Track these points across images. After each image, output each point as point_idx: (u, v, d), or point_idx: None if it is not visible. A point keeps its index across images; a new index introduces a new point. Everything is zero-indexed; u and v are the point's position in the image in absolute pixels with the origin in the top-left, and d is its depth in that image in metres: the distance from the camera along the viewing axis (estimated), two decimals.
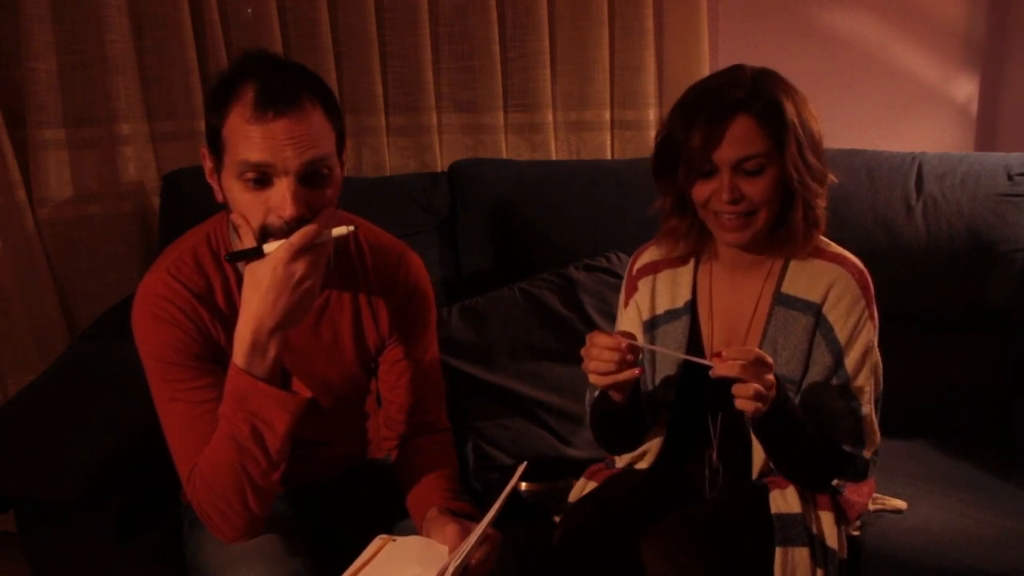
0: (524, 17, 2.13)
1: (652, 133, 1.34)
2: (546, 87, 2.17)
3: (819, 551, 1.28)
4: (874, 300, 1.33)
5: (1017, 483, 1.56)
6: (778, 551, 1.26)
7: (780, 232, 1.32)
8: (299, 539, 1.23)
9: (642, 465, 1.46)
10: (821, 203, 1.31)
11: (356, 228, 1.15)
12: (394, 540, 1.20)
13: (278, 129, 1.07)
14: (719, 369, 1.14)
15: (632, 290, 1.47)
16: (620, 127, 2.23)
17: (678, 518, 1.29)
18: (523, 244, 1.98)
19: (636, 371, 1.19)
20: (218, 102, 1.12)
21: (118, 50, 1.99)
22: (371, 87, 2.13)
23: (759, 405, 1.15)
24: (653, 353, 1.43)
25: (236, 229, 1.14)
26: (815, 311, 1.32)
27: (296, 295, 1.10)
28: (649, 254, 1.47)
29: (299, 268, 1.08)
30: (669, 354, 1.39)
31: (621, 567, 1.27)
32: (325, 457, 1.38)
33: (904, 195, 1.84)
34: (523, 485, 1.61)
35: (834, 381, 1.31)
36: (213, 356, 1.21)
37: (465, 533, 1.14)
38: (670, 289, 1.43)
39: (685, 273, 1.43)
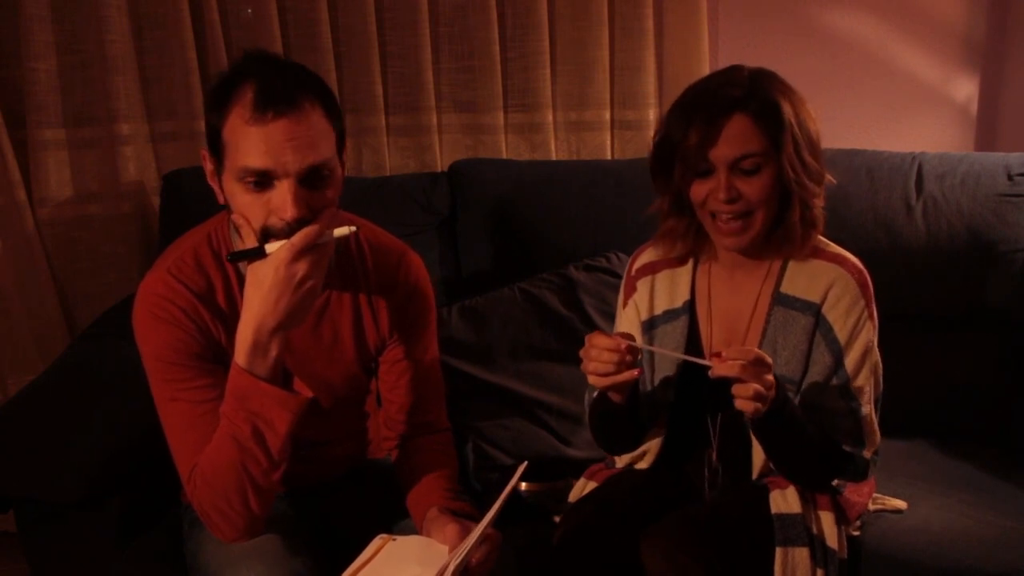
0: (524, 17, 2.13)
1: (652, 133, 1.34)
2: (546, 87, 2.17)
3: (819, 551, 1.28)
4: (873, 300, 1.33)
5: (1017, 483, 1.56)
6: (778, 551, 1.26)
7: (778, 233, 1.32)
8: (299, 539, 1.23)
9: (642, 465, 1.46)
10: (819, 203, 1.31)
11: (358, 228, 1.15)
12: (394, 540, 1.20)
13: (277, 131, 1.07)
14: (718, 369, 1.14)
15: (631, 290, 1.47)
16: (620, 127, 2.23)
17: (678, 518, 1.29)
18: (523, 244, 1.98)
19: (635, 372, 1.19)
20: (217, 103, 1.12)
21: (118, 50, 1.99)
22: (371, 87, 2.13)
23: (758, 405, 1.15)
24: (652, 354, 1.43)
25: (237, 229, 1.14)
26: (815, 311, 1.32)
27: (298, 295, 1.10)
28: (648, 254, 1.47)
29: (301, 268, 1.09)
30: (668, 354, 1.39)
31: (621, 567, 1.27)
32: (326, 457, 1.38)
33: (904, 195, 1.84)
34: (523, 485, 1.61)
35: (834, 381, 1.31)
36: (214, 356, 1.21)
37: (465, 533, 1.14)
38: (669, 289, 1.43)
39: (684, 273, 1.43)
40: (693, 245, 1.40)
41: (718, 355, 1.15)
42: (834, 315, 1.31)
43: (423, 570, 1.11)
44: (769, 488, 1.34)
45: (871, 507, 1.45)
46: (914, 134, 2.24)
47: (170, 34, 2.03)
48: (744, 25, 2.21)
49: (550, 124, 2.21)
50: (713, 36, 2.19)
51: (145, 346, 1.20)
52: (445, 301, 1.87)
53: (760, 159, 1.25)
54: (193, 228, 1.29)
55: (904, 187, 1.84)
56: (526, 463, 1.17)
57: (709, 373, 1.15)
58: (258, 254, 1.10)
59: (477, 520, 1.16)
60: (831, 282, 1.32)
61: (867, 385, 1.32)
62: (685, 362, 1.38)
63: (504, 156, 2.21)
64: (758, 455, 1.36)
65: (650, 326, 1.44)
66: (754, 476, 1.37)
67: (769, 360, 1.16)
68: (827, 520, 1.31)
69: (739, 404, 1.15)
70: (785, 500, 1.31)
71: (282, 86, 1.09)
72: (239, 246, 1.18)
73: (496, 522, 1.11)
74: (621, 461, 1.50)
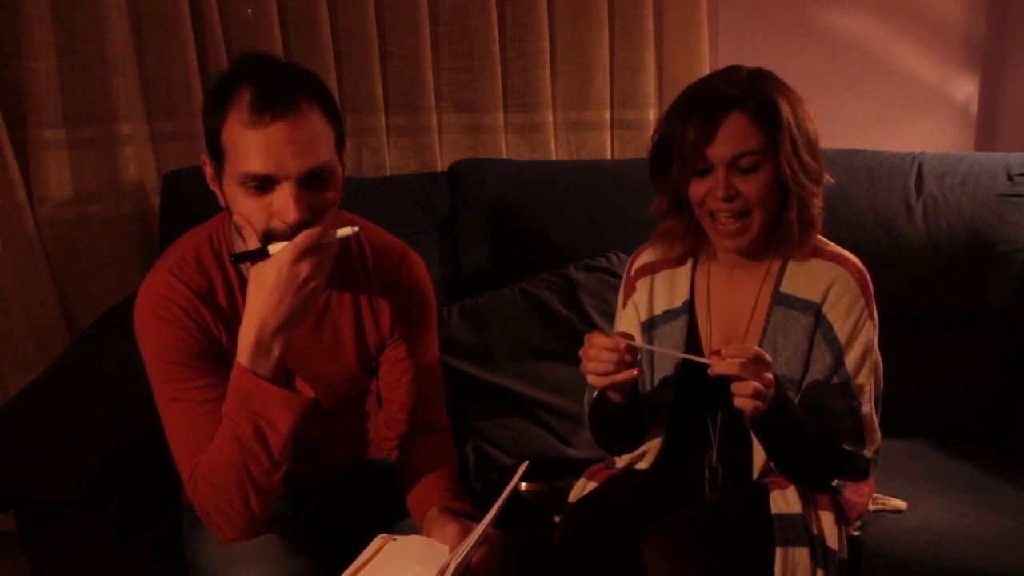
0: (524, 17, 2.13)
1: (652, 133, 1.35)
2: (546, 87, 2.17)
3: (819, 551, 1.28)
4: (874, 299, 1.33)
5: (1017, 483, 1.56)
6: (778, 551, 1.26)
7: (776, 233, 1.32)
8: (299, 539, 1.23)
9: (642, 465, 1.46)
10: (817, 202, 1.31)
11: (360, 228, 1.15)
12: (394, 539, 1.20)
13: (277, 134, 1.07)
14: (718, 367, 1.14)
15: (630, 291, 1.47)
16: (620, 127, 2.23)
17: (678, 518, 1.29)
18: (523, 244, 1.98)
19: (634, 372, 1.19)
20: (215, 106, 1.11)
21: (118, 50, 1.99)
22: (371, 87, 2.13)
23: (758, 403, 1.15)
24: (652, 353, 1.43)
25: (239, 230, 1.14)
26: (815, 310, 1.32)
27: (301, 296, 1.10)
28: (647, 255, 1.47)
29: (304, 269, 1.09)
30: (668, 353, 1.39)
31: (621, 567, 1.27)
32: (326, 457, 1.38)
33: (904, 195, 1.84)
34: (523, 485, 1.61)
35: (834, 380, 1.31)
36: (215, 356, 1.21)
37: (465, 533, 1.14)
38: (668, 289, 1.43)
39: (683, 273, 1.43)
40: (692, 245, 1.40)
41: (717, 353, 1.15)
42: (834, 314, 1.31)
43: (423, 570, 1.11)
44: (769, 488, 1.34)
45: (871, 507, 1.45)
46: (914, 134, 2.24)
47: (170, 34, 2.03)
48: (744, 25, 2.21)
49: (550, 124, 2.21)
50: (713, 36, 2.19)
51: (146, 346, 1.20)
52: (445, 301, 1.87)
53: (758, 157, 1.25)
54: (194, 228, 1.29)
55: (904, 187, 1.84)
56: (526, 463, 1.17)
57: (708, 371, 1.15)
58: (261, 255, 1.10)
59: (477, 520, 1.16)
60: (831, 281, 1.32)
61: (867, 384, 1.32)
62: (685, 362, 1.38)
63: (504, 156, 2.21)
64: (758, 455, 1.36)
65: (649, 326, 1.44)
66: (754, 476, 1.37)
67: (768, 358, 1.16)
68: (827, 520, 1.31)
69: (738, 402, 1.15)
70: (785, 500, 1.31)
71: (280, 88, 1.09)
72: (240, 247, 1.18)
73: (496, 522, 1.11)
74: (621, 461, 1.50)
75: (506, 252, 1.99)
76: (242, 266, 1.23)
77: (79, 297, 2.10)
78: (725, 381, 1.15)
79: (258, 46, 2.04)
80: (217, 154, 1.13)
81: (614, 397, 1.29)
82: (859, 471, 1.34)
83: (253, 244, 1.11)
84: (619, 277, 1.54)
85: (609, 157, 2.24)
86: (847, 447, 1.32)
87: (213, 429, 1.16)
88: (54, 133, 2.00)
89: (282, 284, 1.09)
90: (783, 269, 1.36)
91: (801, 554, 1.26)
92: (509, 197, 1.98)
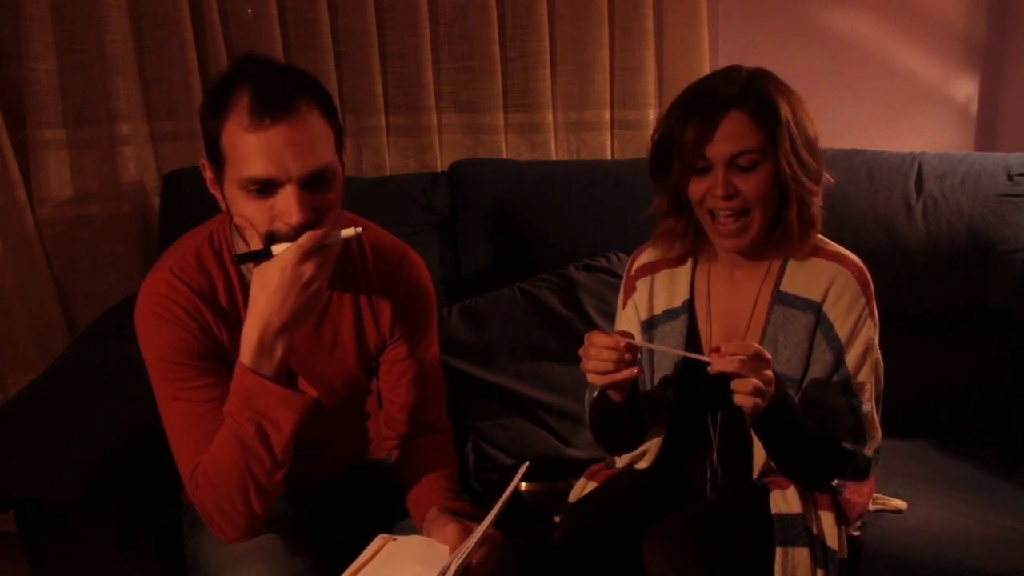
0: (524, 17, 2.13)
1: (651, 133, 1.35)
2: (546, 87, 2.17)
3: (819, 551, 1.28)
4: (874, 297, 1.33)
5: (1017, 483, 1.56)
6: (778, 551, 1.26)
7: (776, 232, 1.32)
8: (299, 539, 1.23)
9: (642, 465, 1.46)
10: (817, 201, 1.31)
11: (364, 229, 1.15)
12: (395, 539, 1.20)
13: (277, 136, 1.07)
14: (718, 364, 1.14)
15: (630, 290, 1.47)
16: (620, 127, 2.23)
17: (678, 518, 1.29)
18: (523, 244, 1.98)
19: (634, 370, 1.19)
20: (213, 110, 1.11)
21: (118, 50, 1.99)
22: (371, 87, 2.13)
23: (758, 400, 1.15)
24: (652, 353, 1.43)
25: (241, 232, 1.14)
26: (815, 309, 1.32)
27: (304, 296, 1.10)
28: (647, 254, 1.47)
29: (308, 270, 1.09)
30: (668, 351, 1.39)
31: (621, 567, 1.27)
32: (326, 457, 1.38)
33: (904, 195, 1.84)
34: (523, 485, 1.61)
35: (835, 379, 1.32)
36: (215, 356, 1.21)
37: (466, 533, 1.14)
38: (668, 289, 1.43)
39: (683, 273, 1.43)
40: (692, 245, 1.41)
41: (717, 351, 1.15)
42: (835, 313, 1.31)
43: (423, 570, 1.11)
44: (769, 488, 1.34)
45: (871, 507, 1.45)
46: (914, 134, 2.24)
47: (170, 34, 2.03)
48: (744, 25, 2.21)
49: (550, 124, 2.21)
50: (713, 36, 2.19)
51: (147, 345, 1.20)
52: (445, 301, 1.87)
53: (757, 155, 1.25)
54: (194, 228, 1.29)
55: (904, 187, 1.84)
56: (527, 463, 1.17)
57: (708, 368, 1.15)
58: (265, 255, 1.10)
59: (477, 520, 1.16)
60: (831, 280, 1.32)
61: (868, 383, 1.32)
62: (684, 361, 1.38)
63: (504, 156, 2.21)
64: (759, 454, 1.36)
65: (649, 326, 1.44)
66: (755, 475, 1.37)
67: (768, 355, 1.16)
68: (827, 520, 1.31)
69: (738, 399, 1.15)
70: (785, 500, 1.31)
71: (278, 90, 1.08)
72: (241, 247, 1.18)
73: (496, 522, 1.11)
74: (621, 461, 1.50)
75: (506, 252, 1.99)
76: (244, 267, 1.23)
77: (79, 297, 2.09)
78: (725, 379, 1.15)
79: (258, 46, 2.04)
80: (217, 158, 1.13)
81: (614, 396, 1.29)
82: (859, 470, 1.34)
83: (255, 245, 1.11)
84: (619, 277, 1.54)
85: (609, 157, 2.24)
86: (847, 445, 1.32)
87: (214, 429, 1.16)
88: (54, 133, 2.00)
89: (286, 284, 1.09)
90: (783, 268, 1.36)
91: (801, 554, 1.26)
92: (509, 197, 1.98)
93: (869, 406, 1.32)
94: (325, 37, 2.08)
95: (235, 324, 1.21)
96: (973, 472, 1.62)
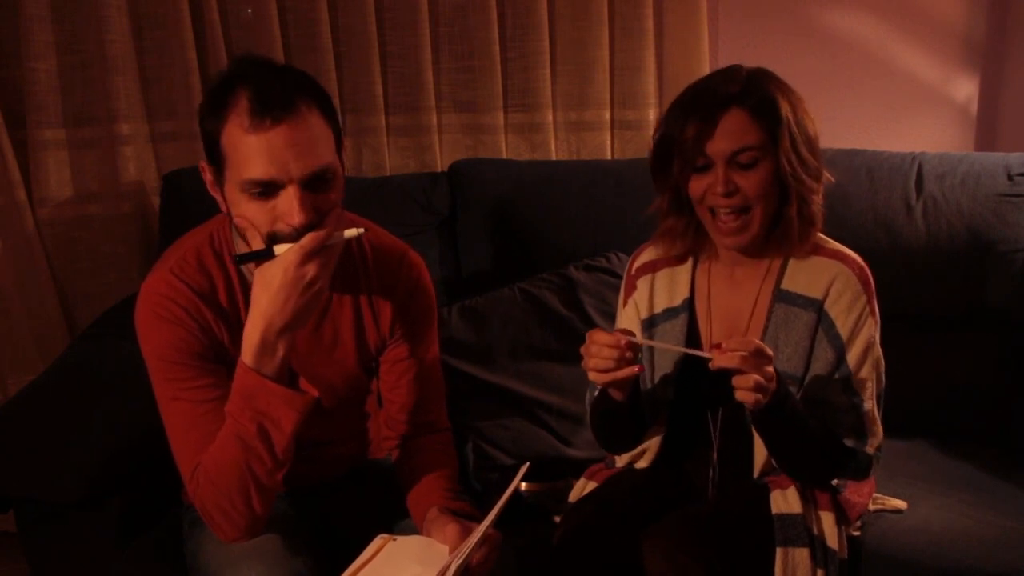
0: (524, 17, 2.13)
1: (652, 133, 1.36)
2: (546, 87, 2.17)
3: (819, 551, 1.28)
4: (875, 295, 1.33)
5: (1017, 483, 1.56)
6: (778, 551, 1.26)
7: (777, 231, 1.33)
8: (299, 539, 1.23)
9: (641, 464, 1.46)
10: (817, 200, 1.32)
11: (366, 230, 1.15)
12: (395, 539, 1.20)
13: (277, 138, 1.07)
14: (719, 360, 1.14)
15: (631, 289, 1.47)
16: (620, 127, 2.23)
17: (678, 518, 1.29)
18: (523, 244, 1.98)
19: (635, 368, 1.20)
20: (212, 112, 1.11)
21: (118, 50, 1.99)
22: (371, 87, 2.13)
23: (759, 397, 1.15)
24: (652, 352, 1.43)
25: (242, 232, 1.14)
26: (817, 307, 1.32)
27: (306, 297, 1.10)
28: (648, 253, 1.47)
29: (310, 270, 1.09)
30: (669, 348, 1.39)
31: (621, 567, 1.27)
32: (327, 457, 1.38)
33: (904, 195, 1.84)
34: (523, 485, 1.61)
35: (836, 376, 1.32)
36: (216, 356, 1.21)
37: (466, 533, 1.14)
38: (668, 288, 1.43)
39: (683, 272, 1.43)
40: (693, 243, 1.41)
41: (718, 346, 1.15)
42: (836, 310, 1.31)
43: (423, 570, 1.11)
44: (770, 488, 1.34)
45: (871, 507, 1.45)
46: (914, 134, 2.24)
47: (170, 34, 2.03)
48: (744, 25, 2.21)
49: (550, 124, 2.21)
50: (713, 36, 2.19)
51: (147, 345, 1.20)
52: (445, 301, 1.87)
53: (757, 153, 1.26)
54: (194, 228, 1.29)
55: (904, 187, 1.84)
56: (528, 464, 1.17)
57: (710, 364, 1.15)
58: (267, 256, 1.10)
59: (477, 520, 1.16)
60: (832, 278, 1.32)
61: (869, 380, 1.32)
62: (685, 359, 1.38)
63: (504, 156, 2.21)
64: (759, 452, 1.36)
65: (650, 324, 1.44)
66: (755, 474, 1.37)
67: (769, 352, 1.16)
68: (827, 520, 1.31)
69: (740, 395, 1.15)
70: (785, 500, 1.31)
71: (278, 91, 1.08)
72: (242, 248, 1.18)
73: (496, 522, 1.11)
74: (621, 460, 1.50)
75: (506, 252, 1.99)
76: (245, 267, 1.23)
77: (79, 297, 2.09)
78: (725, 376, 1.15)
79: (258, 46, 2.04)
80: (217, 160, 1.13)
81: (615, 395, 1.29)
82: (860, 468, 1.34)
83: (256, 245, 1.12)
84: (619, 277, 1.55)
85: (609, 157, 2.24)
86: (849, 443, 1.32)
87: (214, 429, 1.16)
88: (54, 133, 2.00)
89: (288, 285, 1.09)
90: (784, 267, 1.36)
91: (801, 554, 1.26)
92: (509, 197, 1.98)
93: (870, 404, 1.32)
94: (325, 37, 2.08)
95: (235, 324, 1.21)
96: (973, 472, 1.62)
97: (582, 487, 1.51)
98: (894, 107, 2.24)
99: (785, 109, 1.26)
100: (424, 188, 2.02)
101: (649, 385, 1.43)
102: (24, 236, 2.00)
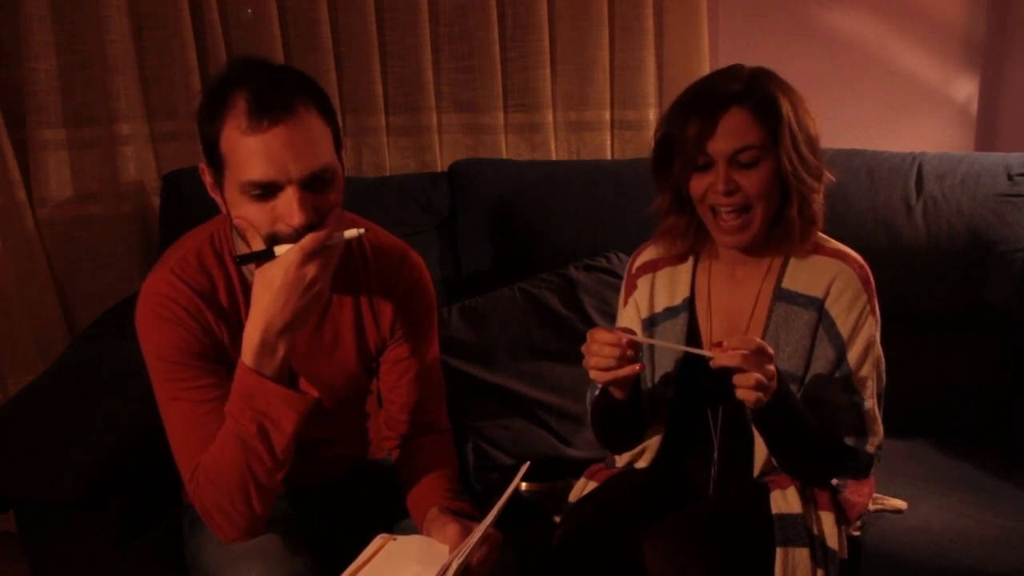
0: (524, 17, 2.13)
1: (652, 133, 1.36)
2: (546, 87, 2.17)
3: (819, 551, 1.28)
4: (875, 295, 1.33)
5: (1017, 483, 1.56)
6: (779, 551, 1.26)
7: (777, 230, 1.33)
8: (299, 539, 1.23)
9: (641, 464, 1.46)
10: (818, 199, 1.32)
11: (366, 230, 1.15)
12: (395, 539, 1.20)
13: (276, 139, 1.07)
14: (720, 359, 1.14)
15: (631, 288, 1.47)
16: (620, 127, 2.23)
17: (678, 518, 1.29)
18: (523, 244, 1.98)
19: (637, 367, 1.20)
20: (210, 114, 1.11)
21: (118, 50, 1.99)
22: (371, 87, 2.13)
23: (760, 395, 1.15)
24: (653, 350, 1.43)
25: (242, 233, 1.14)
26: (817, 306, 1.32)
27: (307, 297, 1.10)
28: (648, 252, 1.47)
29: (311, 271, 1.09)
30: (670, 347, 1.39)
31: (621, 567, 1.27)
32: (327, 457, 1.38)
33: (904, 195, 1.84)
34: (523, 485, 1.61)
35: (836, 375, 1.32)
36: (216, 356, 1.21)
37: (466, 533, 1.14)
38: (669, 287, 1.43)
39: (684, 271, 1.43)
40: (693, 243, 1.41)
41: (719, 345, 1.16)
42: (837, 309, 1.31)
43: (424, 569, 1.11)
44: (770, 488, 1.34)
45: (871, 507, 1.45)
46: (914, 134, 2.24)
47: (170, 34, 2.03)
48: (744, 25, 2.21)
49: (550, 124, 2.21)
50: (713, 36, 2.19)
51: (147, 345, 1.20)
52: (445, 301, 1.87)
53: (758, 152, 1.26)
54: (195, 228, 1.29)
55: (904, 187, 1.84)
56: (528, 464, 1.17)
57: (711, 363, 1.15)
58: (267, 256, 1.10)
59: (477, 520, 1.16)
60: (833, 277, 1.32)
61: (870, 379, 1.32)
62: (685, 358, 1.38)
63: (504, 156, 2.21)
64: (759, 451, 1.36)
65: (650, 323, 1.44)
66: (755, 473, 1.37)
67: (770, 350, 1.16)
68: (827, 520, 1.31)
69: (741, 394, 1.15)
70: (785, 500, 1.31)
71: (275, 91, 1.08)
72: (242, 248, 1.17)
73: (496, 522, 1.11)
74: (621, 460, 1.50)
75: (506, 252, 1.99)
76: (245, 267, 1.23)
77: (79, 297, 2.10)
78: (726, 375, 1.15)
79: (258, 46, 2.04)
80: (216, 162, 1.12)
81: (616, 393, 1.29)
82: (861, 467, 1.34)
83: (256, 245, 1.11)
84: (619, 277, 1.55)
85: (609, 157, 2.24)
86: (849, 442, 1.32)
87: (214, 429, 1.16)
88: (54, 133, 2.00)
89: (288, 286, 1.09)
90: (784, 265, 1.36)
91: (801, 554, 1.26)
92: (509, 197, 1.98)
93: (871, 403, 1.32)
94: (325, 37, 2.08)
95: (236, 324, 1.21)
96: (973, 472, 1.62)
97: (582, 487, 1.50)
98: (894, 107, 2.24)
99: (786, 108, 1.26)
100: (424, 188, 2.02)
101: (650, 384, 1.43)
102: (24, 236, 2.00)
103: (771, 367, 1.16)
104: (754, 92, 1.26)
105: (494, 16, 2.12)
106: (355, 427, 1.43)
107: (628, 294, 1.48)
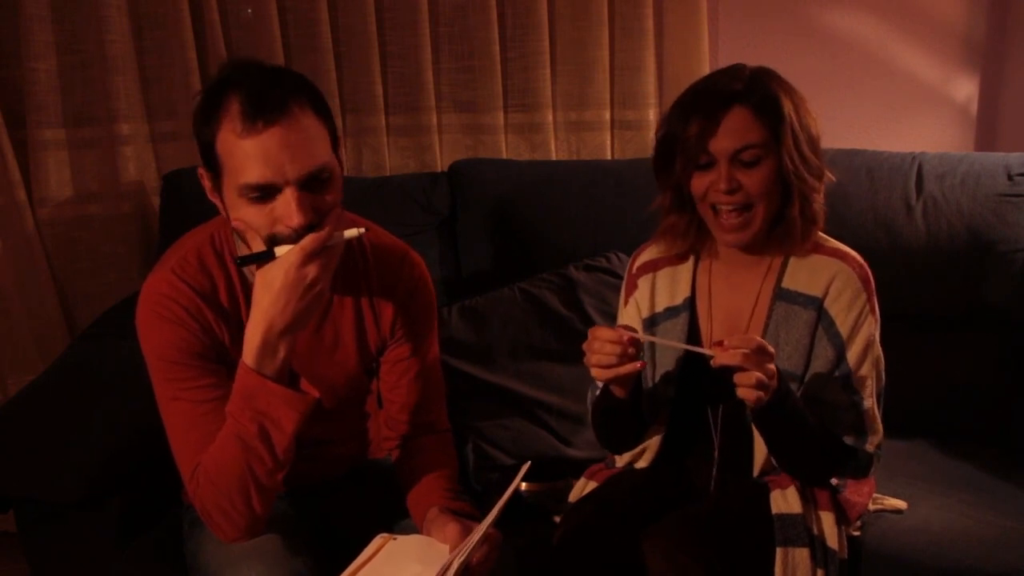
0: (524, 17, 2.13)
1: (652, 133, 1.36)
2: (546, 87, 2.17)
3: (819, 551, 1.28)
4: (875, 294, 1.33)
5: (1017, 483, 1.56)
6: (778, 551, 1.26)
7: (778, 229, 1.33)
8: (299, 539, 1.23)
9: (642, 464, 1.46)
10: (819, 198, 1.32)
11: (366, 230, 1.15)
12: (395, 539, 1.20)
13: (272, 140, 1.06)
14: (720, 358, 1.14)
15: (632, 288, 1.47)
16: (620, 127, 2.23)
17: (678, 518, 1.29)
18: (523, 244, 1.98)
19: (638, 364, 1.20)
20: (205, 118, 1.11)
21: (118, 50, 1.99)
22: (371, 87, 2.13)
23: (761, 394, 1.15)
24: (653, 349, 1.43)
25: (241, 235, 1.14)
26: (817, 305, 1.32)
27: (307, 298, 1.10)
28: (649, 252, 1.48)
29: (311, 271, 1.09)
30: (670, 345, 1.39)
31: (621, 567, 1.27)
32: (327, 457, 1.38)
33: (904, 195, 1.84)
34: (523, 485, 1.61)
35: (836, 374, 1.32)
36: (216, 356, 1.21)
37: (466, 532, 1.14)
38: (669, 286, 1.43)
39: (684, 270, 1.43)
40: (694, 242, 1.41)
41: (720, 344, 1.16)
42: (836, 308, 1.32)
43: (424, 569, 1.11)
44: (770, 488, 1.34)
45: (871, 507, 1.45)
46: (914, 134, 2.24)
47: (170, 34, 2.03)
48: (744, 25, 2.21)
49: (550, 124, 2.21)
50: (713, 36, 2.20)
51: (148, 345, 1.20)
52: (445, 301, 1.87)
53: (760, 151, 1.26)
54: (195, 228, 1.29)
55: (904, 187, 1.84)
56: (528, 463, 1.17)
57: (711, 362, 1.15)
58: (267, 257, 1.10)
59: (477, 520, 1.16)
60: (833, 276, 1.32)
61: (869, 379, 1.32)
62: (686, 357, 1.38)
63: (504, 156, 2.21)
64: (759, 450, 1.36)
65: (651, 323, 1.44)
66: (755, 473, 1.37)
67: (771, 349, 1.16)
68: (827, 520, 1.31)
69: (741, 393, 1.15)
70: (785, 500, 1.31)
71: (269, 93, 1.08)
72: (243, 250, 1.17)
73: (496, 522, 1.11)
74: (621, 460, 1.50)
75: (506, 252, 1.99)
76: (246, 268, 1.23)
77: (79, 297, 2.10)
78: (726, 374, 1.15)
79: (258, 46, 2.04)
80: (213, 165, 1.12)
81: (617, 392, 1.29)
82: (861, 466, 1.34)
83: (256, 247, 1.11)
84: (619, 277, 1.55)
85: (609, 157, 2.24)
86: (849, 441, 1.32)
87: (214, 429, 1.16)
88: (54, 133, 2.00)
89: (289, 286, 1.09)
90: (784, 265, 1.36)
91: (801, 554, 1.26)
92: (509, 197, 1.98)
93: (870, 402, 1.32)
94: (325, 37, 2.08)
95: (236, 324, 1.21)
96: (973, 472, 1.62)
97: (582, 487, 1.50)
98: (894, 107, 2.24)
99: (788, 108, 1.26)
100: (424, 188, 2.02)
101: (650, 383, 1.43)
102: (24, 236, 2.00)
103: (771, 366, 1.17)
104: (756, 91, 1.26)
105: (494, 16, 2.12)
106: (355, 427, 1.43)
107: (629, 294, 1.48)
